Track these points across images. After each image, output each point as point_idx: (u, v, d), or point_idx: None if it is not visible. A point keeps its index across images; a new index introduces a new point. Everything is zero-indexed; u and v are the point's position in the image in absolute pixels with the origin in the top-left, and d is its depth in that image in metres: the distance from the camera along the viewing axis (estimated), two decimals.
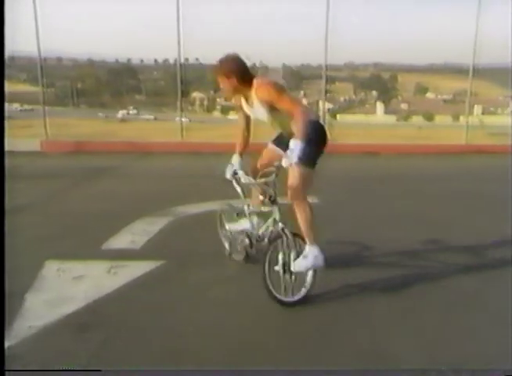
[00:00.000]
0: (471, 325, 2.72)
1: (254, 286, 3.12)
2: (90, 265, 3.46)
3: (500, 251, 3.99)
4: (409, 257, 3.85)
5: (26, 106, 18.72)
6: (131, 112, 20.73)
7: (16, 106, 20.39)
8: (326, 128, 3.11)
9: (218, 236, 3.78)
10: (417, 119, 27.45)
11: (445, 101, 31.73)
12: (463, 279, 3.39)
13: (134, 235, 4.22)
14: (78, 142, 10.15)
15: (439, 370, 2.26)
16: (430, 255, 3.88)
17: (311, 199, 5.20)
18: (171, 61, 11.86)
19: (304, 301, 2.92)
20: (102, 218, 4.84)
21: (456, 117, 19.36)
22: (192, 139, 10.29)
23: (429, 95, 34.43)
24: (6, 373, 2.01)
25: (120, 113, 19.93)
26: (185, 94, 10.68)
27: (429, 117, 27.35)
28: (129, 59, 20.88)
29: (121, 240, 4.09)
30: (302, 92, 22.92)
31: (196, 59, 11.59)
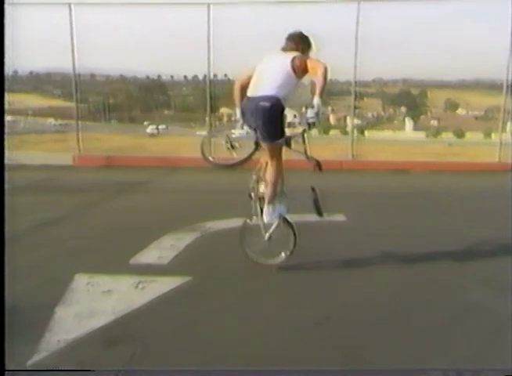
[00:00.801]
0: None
1: (281, 304, 3.10)
2: (118, 280, 3.49)
3: None
4: (434, 275, 3.76)
5: (60, 121, 19.27)
6: (160, 127, 21.05)
7: (50, 120, 21.03)
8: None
9: (244, 252, 3.79)
10: (447, 136, 26.94)
11: (476, 117, 31.11)
12: (492, 294, 3.28)
13: (162, 250, 4.24)
14: (109, 156, 10.36)
15: (439, 370, 2.21)
16: (458, 276, 3.77)
17: (338, 217, 5.15)
18: (200, 77, 12.05)
19: None
20: (131, 232, 4.89)
21: (487, 134, 18.94)
22: (220, 155, 10.34)
23: (460, 111, 33.82)
24: (6, 373, 2.03)
25: (150, 129, 20.26)
26: (213, 110, 10.79)
27: (460, 134, 26.84)
28: (159, 76, 21.29)
29: (149, 255, 4.12)
30: (330, 108, 22.88)
31: (225, 75, 11.72)
